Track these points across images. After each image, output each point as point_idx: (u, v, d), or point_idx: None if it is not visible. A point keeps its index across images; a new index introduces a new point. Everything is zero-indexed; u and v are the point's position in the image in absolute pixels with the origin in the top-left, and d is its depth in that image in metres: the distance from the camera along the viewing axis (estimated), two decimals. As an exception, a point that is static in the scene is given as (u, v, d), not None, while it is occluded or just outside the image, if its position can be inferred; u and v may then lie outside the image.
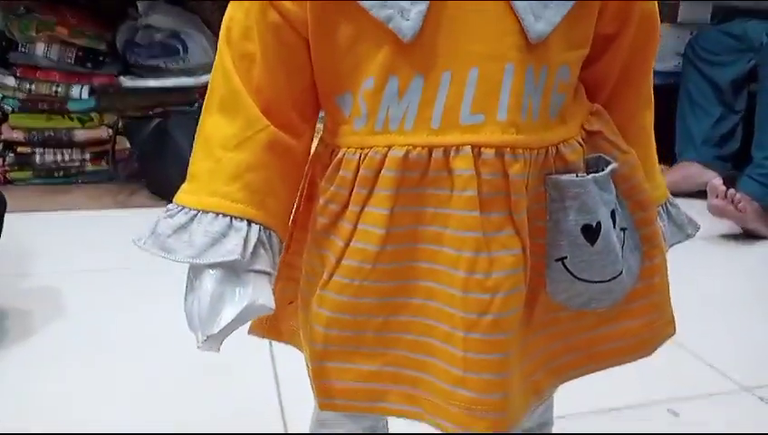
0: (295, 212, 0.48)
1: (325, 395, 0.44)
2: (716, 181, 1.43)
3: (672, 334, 0.49)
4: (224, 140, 0.42)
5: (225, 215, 0.41)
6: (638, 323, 0.47)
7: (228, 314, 0.39)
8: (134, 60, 1.71)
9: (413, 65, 0.40)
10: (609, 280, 0.44)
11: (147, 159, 1.59)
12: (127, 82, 1.70)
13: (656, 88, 1.93)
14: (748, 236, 1.48)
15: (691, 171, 1.79)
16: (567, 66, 0.42)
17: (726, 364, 0.92)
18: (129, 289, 1.07)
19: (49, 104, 1.68)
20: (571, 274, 0.43)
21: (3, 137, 1.67)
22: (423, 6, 0.38)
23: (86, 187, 1.70)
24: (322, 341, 0.43)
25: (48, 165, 1.70)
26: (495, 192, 0.40)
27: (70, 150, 1.70)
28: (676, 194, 1.80)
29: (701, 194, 1.56)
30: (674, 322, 0.49)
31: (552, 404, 0.57)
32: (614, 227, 0.44)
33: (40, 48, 1.65)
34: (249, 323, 0.47)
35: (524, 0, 0.38)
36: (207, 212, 0.41)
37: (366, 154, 0.41)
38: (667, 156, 1.94)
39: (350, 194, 0.42)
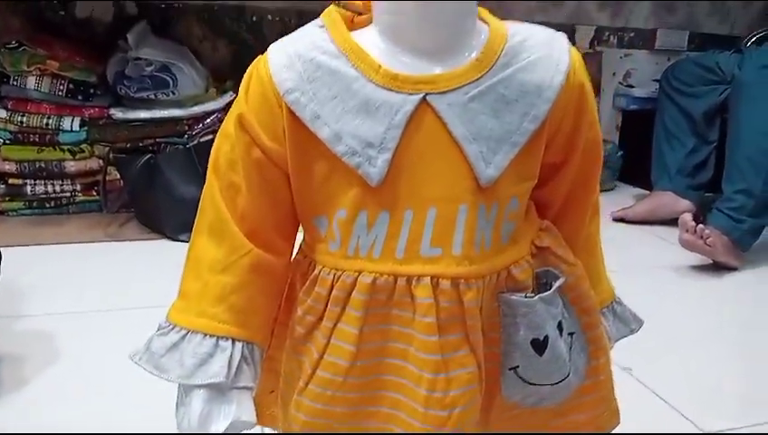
0: (277, 310, 0.53)
1: None
2: (686, 217, 1.49)
3: (617, 424, 0.54)
4: (211, 264, 0.47)
5: (211, 335, 0.46)
6: (585, 417, 0.53)
7: (214, 431, 0.44)
8: (124, 92, 1.74)
9: (380, 203, 0.45)
10: (558, 383, 0.49)
11: (137, 193, 1.62)
12: (118, 113, 1.74)
13: (633, 113, 2.03)
14: (718, 267, 1.54)
15: (665, 200, 1.86)
16: (516, 198, 0.47)
17: (687, 406, 0.97)
18: (123, 330, 1.09)
19: (40, 136, 1.71)
20: (523, 380, 0.48)
21: (-5, 169, 1.71)
22: (388, 155, 0.43)
23: (77, 218, 1.73)
24: (300, 441, 0.48)
25: (39, 196, 1.73)
26: (452, 317, 0.45)
27: (61, 181, 1.73)
28: (651, 222, 1.85)
29: (675, 222, 1.61)
30: (618, 413, 0.54)
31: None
32: (561, 335, 0.49)
33: (31, 81, 1.68)
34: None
35: (476, 149, 0.43)
36: (196, 332, 0.46)
37: (339, 276, 0.46)
38: (645, 181, 2.01)
39: (325, 309, 0.47)
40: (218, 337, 0.46)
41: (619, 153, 2.20)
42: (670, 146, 1.89)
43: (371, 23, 0.47)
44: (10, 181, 1.72)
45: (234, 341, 0.46)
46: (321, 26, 0.46)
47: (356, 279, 0.46)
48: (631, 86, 2.31)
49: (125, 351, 0.52)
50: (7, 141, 1.70)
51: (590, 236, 0.54)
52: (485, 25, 0.47)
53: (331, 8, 0.48)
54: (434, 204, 0.44)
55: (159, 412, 0.88)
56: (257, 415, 0.56)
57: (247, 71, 0.48)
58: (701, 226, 1.47)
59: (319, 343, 0.47)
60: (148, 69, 1.73)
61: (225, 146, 0.48)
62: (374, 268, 0.45)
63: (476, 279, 0.45)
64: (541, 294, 0.47)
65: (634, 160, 2.16)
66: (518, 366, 0.48)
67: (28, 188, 1.72)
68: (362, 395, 0.47)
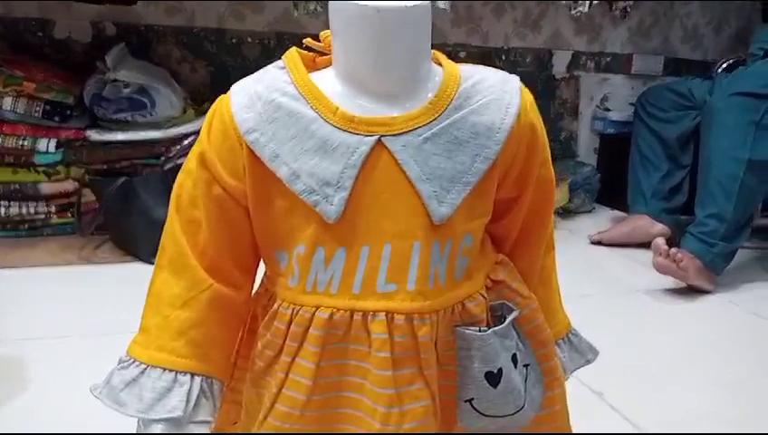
0: (239, 343, 0.53)
1: None
2: (659, 241, 1.51)
3: (573, 454, 0.55)
4: (171, 299, 0.48)
5: (170, 370, 0.46)
6: (541, 447, 0.53)
7: None
8: (102, 114, 1.74)
9: (337, 239, 0.45)
10: (512, 414, 0.50)
11: (113, 215, 1.61)
12: (94, 135, 1.73)
13: (610, 136, 2.05)
14: (692, 290, 1.56)
15: (641, 223, 1.89)
16: (470, 234, 0.48)
17: (657, 430, 0.96)
18: (97, 355, 1.07)
19: (15, 157, 1.70)
20: (479, 412, 0.49)
21: (-31, 190, 1.69)
22: (345, 194, 0.44)
23: (51, 240, 1.71)
24: (259, 473, 0.48)
25: (13, 218, 1.71)
26: (406, 351, 0.45)
27: (35, 203, 1.72)
28: (627, 245, 1.87)
29: (651, 245, 1.63)
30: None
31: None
32: (516, 367, 0.50)
33: (7, 102, 1.67)
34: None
35: (429, 188, 0.45)
36: (156, 367, 0.46)
37: (297, 311, 0.47)
38: (622, 203, 2.04)
39: (284, 343, 0.47)
40: (177, 372, 0.46)
41: (597, 176, 2.23)
42: (645, 170, 1.92)
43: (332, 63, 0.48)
44: (-17, 203, 1.70)
45: (192, 375, 0.47)
46: (282, 68, 0.47)
47: (313, 314, 0.46)
48: (608, 110, 2.35)
49: (98, 376, 0.53)
50: (-18, 163, 1.68)
51: (544, 269, 0.55)
52: (440, 68, 0.48)
53: (293, 50, 0.49)
54: (389, 240, 0.45)
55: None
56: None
57: (210, 109, 0.49)
58: (674, 249, 1.50)
59: (278, 377, 0.47)
60: (126, 91, 1.73)
61: (186, 182, 0.48)
62: (331, 303, 0.46)
63: (430, 314, 0.46)
64: (494, 328, 0.48)
65: (612, 183, 2.20)
66: (473, 398, 0.48)
67: (2, 210, 1.70)
68: (320, 428, 0.47)
